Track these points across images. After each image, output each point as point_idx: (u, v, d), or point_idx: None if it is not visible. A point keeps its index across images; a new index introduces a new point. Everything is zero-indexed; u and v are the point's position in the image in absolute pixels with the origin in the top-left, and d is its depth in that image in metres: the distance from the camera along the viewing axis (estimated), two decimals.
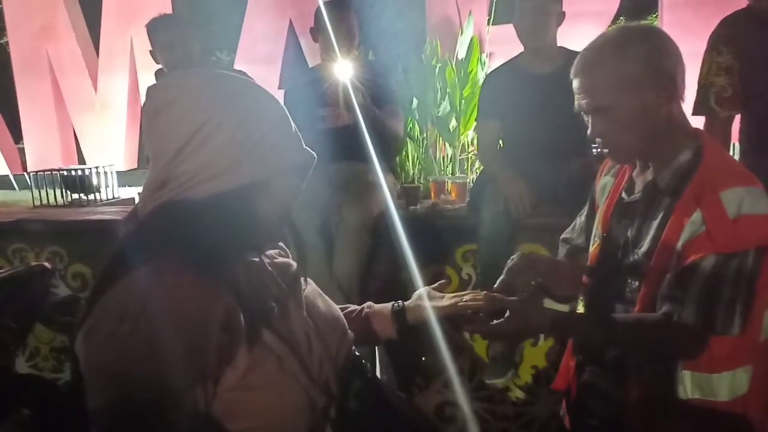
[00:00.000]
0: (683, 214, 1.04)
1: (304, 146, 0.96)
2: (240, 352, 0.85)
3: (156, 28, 2.52)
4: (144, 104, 0.91)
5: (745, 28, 1.91)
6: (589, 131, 1.13)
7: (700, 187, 1.05)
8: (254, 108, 0.90)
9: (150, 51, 2.60)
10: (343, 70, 2.27)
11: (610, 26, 4.49)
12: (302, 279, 1.04)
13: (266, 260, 1.00)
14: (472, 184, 2.71)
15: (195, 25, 2.59)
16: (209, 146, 0.86)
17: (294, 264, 1.06)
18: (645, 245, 1.10)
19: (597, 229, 1.22)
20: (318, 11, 2.44)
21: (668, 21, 3.21)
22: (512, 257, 1.24)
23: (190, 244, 0.85)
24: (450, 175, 2.97)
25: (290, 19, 3.75)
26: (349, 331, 1.07)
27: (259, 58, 3.77)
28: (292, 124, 0.95)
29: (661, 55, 1.08)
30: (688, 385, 1.06)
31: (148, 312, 0.78)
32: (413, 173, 3.23)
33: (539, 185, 2.24)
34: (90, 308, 0.82)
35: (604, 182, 1.28)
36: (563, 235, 1.43)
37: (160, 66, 2.63)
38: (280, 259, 1.04)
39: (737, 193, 1.01)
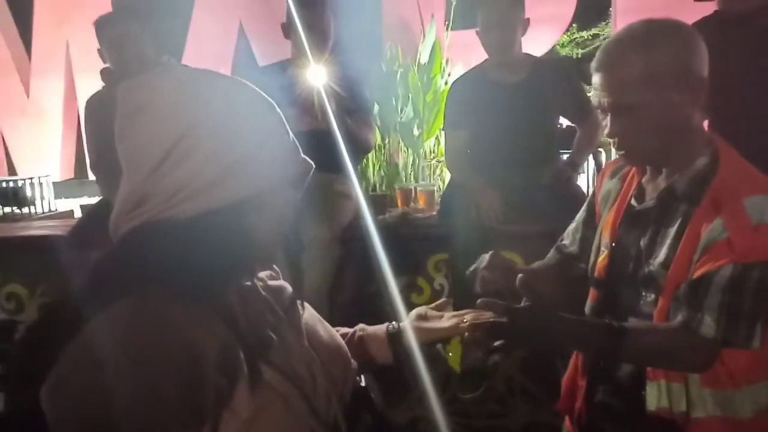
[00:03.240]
0: (702, 222, 1.00)
1: (302, 155, 0.85)
2: (240, 395, 0.73)
3: (104, 22, 2.33)
4: (117, 107, 0.78)
5: (714, 34, 1.93)
6: (606, 130, 1.07)
7: (720, 194, 1.00)
8: (247, 114, 0.78)
9: (98, 49, 2.39)
10: (315, 72, 2.16)
11: (564, 32, 4.59)
12: (299, 303, 0.92)
13: (259, 284, 0.88)
14: (439, 192, 2.67)
15: (148, 21, 2.39)
16: (194, 158, 0.74)
17: (288, 287, 0.94)
18: (661, 255, 1.05)
19: (603, 239, 1.16)
20: (289, 7, 2.31)
21: (622, 26, 3.26)
22: (480, 263, 1.19)
23: (176, 270, 0.73)
24: (413, 183, 2.90)
25: (240, 20, 3.61)
26: (353, 360, 0.96)
27: (206, 59, 3.60)
28: (289, 129, 0.84)
29: (689, 53, 1.03)
30: (708, 402, 1.01)
31: (131, 355, 0.66)
32: (374, 181, 3.14)
33: (510, 193, 2.22)
34: (54, 355, 0.68)
35: (608, 188, 1.22)
36: (559, 243, 1.37)
37: (106, 65, 2.43)
38: (274, 282, 0.92)
39: (761, 201, 0.97)
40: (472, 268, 1.19)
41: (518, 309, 1.00)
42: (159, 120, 0.74)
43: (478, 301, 1.00)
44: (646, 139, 1.04)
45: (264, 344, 0.78)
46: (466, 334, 0.96)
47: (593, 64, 1.05)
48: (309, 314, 0.94)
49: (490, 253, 1.19)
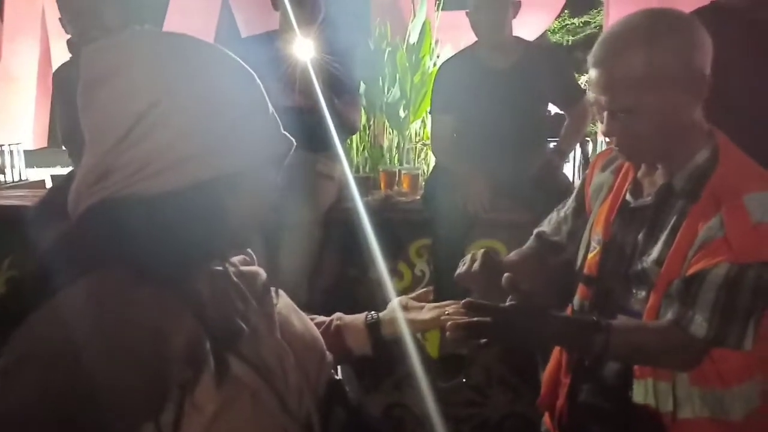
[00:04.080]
0: (700, 219, 0.96)
1: (282, 131, 0.78)
2: (205, 388, 0.68)
3: None
4: (81, 71, 0.71)
5: (709, 26, 1.88)
6: (602, 128, 1.01)
7: (720, 190, 0.96)
8: (225, 84, 0.72)
9: (59, 18, 2.28)
10: (303, 46, 2.07)
11: (556, 18, 4.53)
12: (273, 291, 0.87)
13: (231, 269, 0.82)
14: (424, 176, 2.61)
15: None
16: (164, 130, 0.68)
17: (263, 273, 0.88)
18: (655, 252, 1.01)
19: (595, 234, 1.12)
20: None
21: (615, 16, 3.21)
22: (470, 258, 1.14)
23: (139, 251, 0.67)
24: (398, 166, 2.84)
25: None
26: (328, 352, 0.91)
27: (188, 30, 3.45)
28: (269, 103, 0.77)
29: (693, 49, 0.96)
30: (696, 403, 0.98)
31: (90, 341, 0.60)
32: (357, 162, 3.07)
33: (496, 180, 2.17)
34: (5, 337, 0.62)
35: (599, 181, 1.17)
36: (538, 229, 1.33)
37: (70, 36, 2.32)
38: (246, 268, 0.86)
39: (762, 198, 0.93)
40: (461, 270, 1.14)
41: (503, 309, 0.95)
42: (127, 86, 0.68)
43: (462, 302, 0.95)
44: (645, 138, 0.99)
45: (233, 334, 0.73)
46: (448, 333, 0.92)
47: (590, 59, 0.99)
48: (283, 303, 0.88)
49: (481, 252, 1.14)
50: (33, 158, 3.54)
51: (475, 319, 0.91)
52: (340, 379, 0.90)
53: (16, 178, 3.03)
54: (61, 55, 3.38)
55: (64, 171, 3.14)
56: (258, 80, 0.76)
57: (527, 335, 0.98)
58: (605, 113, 0.99)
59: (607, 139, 1.04)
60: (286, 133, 0.79)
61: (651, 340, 0.99)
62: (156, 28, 3.51)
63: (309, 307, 2.19)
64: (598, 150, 2.99)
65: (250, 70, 0.76)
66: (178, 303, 0.68)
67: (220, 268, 0.80)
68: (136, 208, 0.68)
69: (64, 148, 2.59)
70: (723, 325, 0.94)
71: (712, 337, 0.95)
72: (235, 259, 0.87)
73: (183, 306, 0.69)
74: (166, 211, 0.68)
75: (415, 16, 3.02)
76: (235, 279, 0.81)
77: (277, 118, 0.78)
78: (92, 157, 0.69)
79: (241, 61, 0.75)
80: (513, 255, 1.31)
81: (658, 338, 0.99)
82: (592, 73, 0.99)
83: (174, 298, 0.68)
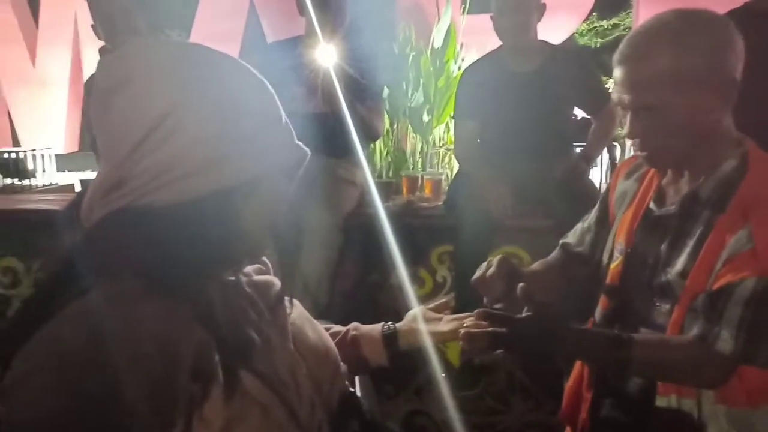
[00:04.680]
0: (727, 230, 0.92)
1: (296, 141, 0.78)
2: (213, 402, 0.67)
3: None
4: (95, 80, 0.71)
5: (741, 29, 1.82)
6: (626, 130, 0.98)
7: (748, 201, 0.92)
8: (239, 93, 0.72)
9: (92, 25, 2.33)
10: (327, 52, 2.06)
11: (584, 21, 4.46)
12: (287, 301, 0.86)
13: (243, 279, 0.82)
14: (447, 181, 2.59)
15: None
16: (179, 138, 0.67)
17: (277, 282, 0.87)
18: (679, 264, 0.97)
19: (618, 243, 1.09)
20: None
21: (644, 18, 3.14)
22: (487, 263, 1.11)
23: (152, 262, 0.67)
24: (421, 171, 2.82)
25: None
26: (342, 363, 0.89)
27: (215, 36, 3.52)
28: (282, 113, 0.77)
29: (723, 51, 0.93)
30: (722, 421, 0.94)
31: (100, 354, 0.60)
32: (381, 167, 3.06)
33: (520, 186, 2.14)
34: (15, 349, 0.62)
35: (623, 188, 1.14)
36: (563, 240, 1.30)
37: (104, 43, 2.37)
38: (260, 277, 0.86)
39: None
40: (477, 275, 1.12)
41: (518, 319, 0.93)
42: (141, 95, 0.68)
43: (476, 311, 0.93)
44: (669, 141, 0.96)
45: (244, 346, 0.72)
46: (461, 343, 0.90)
47: (616, 57, 0.97)
48: (297, 313, 0.87)
49: (498, 259, 1.11)
50: (64, 162, 3.62)
51: (490, 329, 0.89)
52: (354, 392, 0.89)
53: (47, 182, 3.09)
54: (92, 61, 3.45)
55: (94, 175, 3.20)
56: (271, 89, 0.76)
57: (543, 347, 0.96)
58: (629, 114, 0.97)
59: (631, 143, 1.01)
60: (300, 144, 0.78)
61: (675, 356, 0.96)
62: (184, 33, 3.56)
63: (329, 313, 2.19)
64: (627, 155, 2.93)
65: (263, 80, 0.75)
66: (189, 314, 0.68)
67: (233, 278, 0.79)
68: (151, 217, 0.67)
69: (93, 152, 2.64)
70: (750, 342, 0.90)
71: (740, 354, 0.91)
72: (250, 268, 0.87)
73: (193, 317, 0.68)
74: (179, 221, 0.68)
75: (439, 19, 3.01)
76: (247, 289, 0.80)
77: (291, 128, 0.77)
78: (106, 167, 0.70)
79: (254, 70, 0.75)
80: (536, 265, 1.29)
81: (682, 354, 0.95)
82: (617, 72, 0.96)
83: (184, 309, 0.68)
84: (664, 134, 0.95)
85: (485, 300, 1.08)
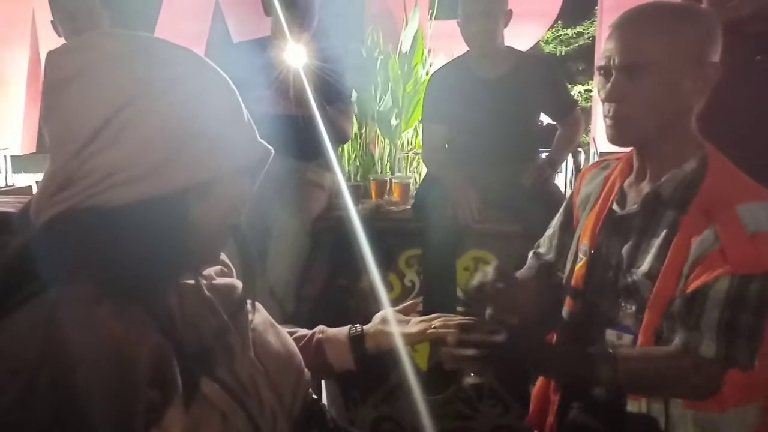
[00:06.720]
0: (691, 231, 0.93)
1: (259, 138, 0.75)
2: (172, 410, 0.64)
3: None
4: (44, 73, 0.67)
5: None
6: (604, 93, 0.99)
7: (710, 201, 0.94)
8: (195, 87, 0.69)
9: (51, 21, 2.25)
10: (295, 53, 2.03)
11: (549, 29, 4.52)
12: (249, 305, 0.83)
13: (203, 282, 0.79)
14: (415, 185, 2.58)
15: None
16: (131, 136, 0.64)
17: (239, 286, 0.84)
18: (645, 265, 0.98)
19: (582, 245, 1.09)
20: None
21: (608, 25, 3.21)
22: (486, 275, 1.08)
23: (103, 265, 0.63)
24: (389, 174, 2.81)
25: None
26: (306, 370, 0.87)
27: (180, 36, 3.45)
28: (244, 110, 0.74)
29: (712, 41, 0.97)
30: (690, 425, 0.94)
31: (48, 363, 0.56)
32: (349, 171, 3.04)
33: (487, 190, 2.15)
34: None
35: (587, 192, 1.14)
36: (536, 249, 1.29)
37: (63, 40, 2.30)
38: (221, 280, 0.83)
39: (755, 208, 0.90)
40: (475, 282, 1.09)
41: (500, 342, 0.92)
42: (92, 89, 0.64)
43: (461, 322, 0.93)
44: (643, 110, 0.97)
45: (203, 352, 0.69)
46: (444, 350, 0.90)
47: (616, 20, 0.99)
48: (260, 318, 0.84)
49: (494, 265, 1.10)
50: (21, 164, 3.50)
51: (471, 353, 0.89)
52: (317, 399, 0.86)
53: (2, 184, 2.98)
54: None
55: None
56: (232, 86, 0.73)
57: (524, 366, 0.96)
58: (612, 76, 0.98)
59: (605, 110, 1.02)
60: (263, 142, 0.75)
61: (660, 367, 0.95)
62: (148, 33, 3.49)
63: (296, 318, 2.14)
64: (591, 161, 2.97)
65: (224, 76, 0.73)
66: (144, 320, 0.65)
67: (192, 281, 0.76)
68: (100, 219, 0.64)
69: None
70: (731, 343, 0.91)
71: (723, 357, 0.91)
72: (211, 270, 0.83)
73: (149, 323, 0.65)
74: (129, 223, 0.64)
75: (407, 24, 3.01)
76: (207, 293, 0.77)
77: (254, 126, 0.75)
78: (53, 165, 0.66)
79: (214, 66, 0.72)
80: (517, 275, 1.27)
81: (666, 364, 0.95)
82: (613, 33, 0.98)
83: (139, 314, 0.64)
84: (640, 100, 0.96)
85: (487, 311, 1.05)
